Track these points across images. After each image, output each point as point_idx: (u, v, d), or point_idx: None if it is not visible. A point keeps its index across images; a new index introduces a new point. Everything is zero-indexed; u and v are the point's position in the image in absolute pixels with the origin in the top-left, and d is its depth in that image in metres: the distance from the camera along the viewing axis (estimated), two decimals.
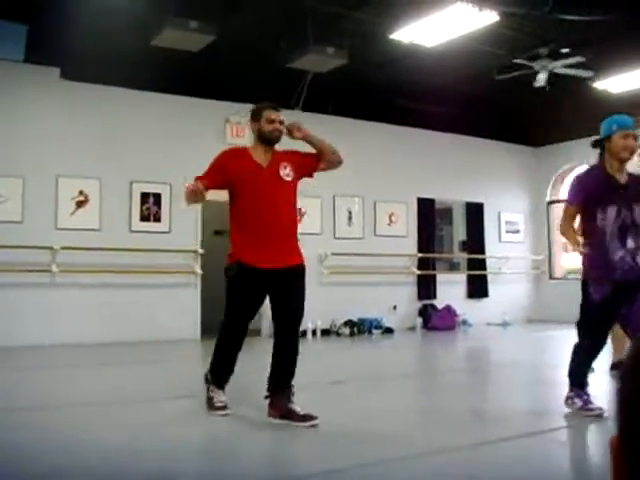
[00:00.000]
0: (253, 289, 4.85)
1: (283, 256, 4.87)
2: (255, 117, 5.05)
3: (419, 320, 13.09)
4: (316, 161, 5.24)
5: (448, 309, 13.32)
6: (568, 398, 5.04)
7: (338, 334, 11.99)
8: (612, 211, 4.80)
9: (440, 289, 13.76)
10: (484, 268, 14.54)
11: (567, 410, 4.96)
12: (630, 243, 4.80)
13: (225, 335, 5.08)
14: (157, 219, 10.65)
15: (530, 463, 3.89)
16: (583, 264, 5.05)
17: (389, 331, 12.37)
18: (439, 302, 13.49)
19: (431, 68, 11.02)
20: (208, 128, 11.17)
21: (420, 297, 13.49)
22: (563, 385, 7.15)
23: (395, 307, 13.03)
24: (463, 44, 9.78)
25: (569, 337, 11.89)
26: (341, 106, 12.37)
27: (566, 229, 5.08)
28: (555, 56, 10.17)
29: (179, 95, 10.91)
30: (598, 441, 4.44)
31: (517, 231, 15.19)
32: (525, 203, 15.40)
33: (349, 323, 12.14)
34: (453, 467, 3.77)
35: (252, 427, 4.69)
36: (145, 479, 3.55)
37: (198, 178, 4.94)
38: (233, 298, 4.91)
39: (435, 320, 13.04)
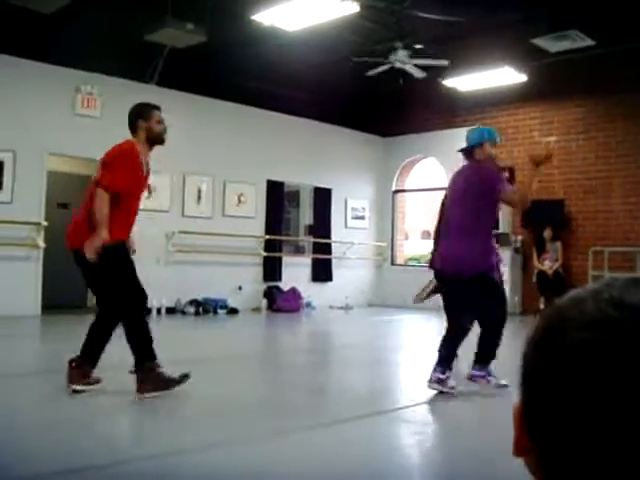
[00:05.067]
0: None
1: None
2: (145, 116, 5.02)
3: (264, 301, 13.20)
4: None
5: (293, 291, 13.50)
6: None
7: (183, 313, 11.91)
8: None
9: (285, 271, 13.92)
10: (329, 252, 14.83)
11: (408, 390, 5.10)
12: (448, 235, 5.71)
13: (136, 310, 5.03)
14: None
15: (375, 441, 4.05)
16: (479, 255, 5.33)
17: (234, 311, 12.41)
18: (284, 284, 13.65)
19: (289, 52, 11.07)
20: (57, 96, 10.73)
21: (265, 279, 13.59)
22: (402, 366, 7.48)
23: (240, 288, 13.06)
24: (323, 31, 9.89)
25: (407, 321, 12.42)
26: (196, 84, 12.23)
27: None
28: (409, 51, 10.48)
29: (27, 59, 10.40)
30: (440, 418, 4.68)
31: (362, 217, 15.59)
32: (371, 191, 15.81)
33: (194, 302, 12.07)
34: (296, 448, 3.86)
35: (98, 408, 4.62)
36: None
37: (109, 186, 4.82)
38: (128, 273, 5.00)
39: (280, 302, 13.18)
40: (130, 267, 4.99)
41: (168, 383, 4.85)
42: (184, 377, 4.91)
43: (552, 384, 0.63)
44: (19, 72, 10.41)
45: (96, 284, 5.14)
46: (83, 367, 4.88)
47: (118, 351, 4.95)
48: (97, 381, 4.91)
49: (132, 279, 4.95)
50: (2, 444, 3.69)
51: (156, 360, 4.88)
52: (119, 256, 4.92)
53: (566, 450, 0.62)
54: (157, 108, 5.11)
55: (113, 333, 5.03)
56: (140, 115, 5.05)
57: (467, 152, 5.51)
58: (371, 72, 10.95)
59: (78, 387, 4.78)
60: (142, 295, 5.00)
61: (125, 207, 4.97)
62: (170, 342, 9.00)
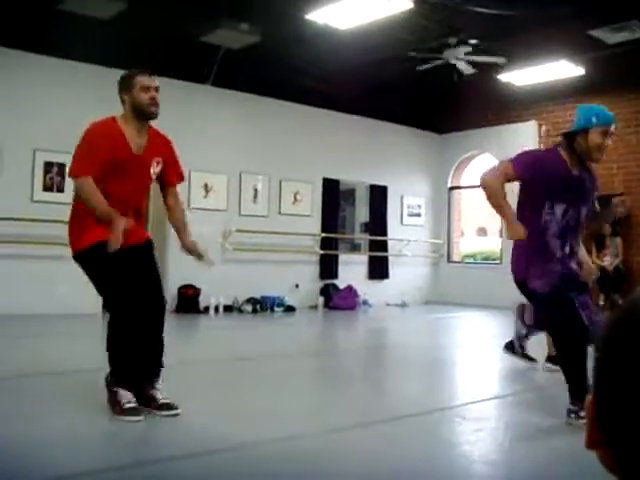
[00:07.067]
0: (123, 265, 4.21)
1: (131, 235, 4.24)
2: (126, 85, 4.27)
3: (321, 299, 13.24)
4: (170, 185, 4.61)
5: (349, 289, 13.51)
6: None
7: (240, 311, 12.02)
8: (560, 209, 4.26)
9: (342, 269, 13.93)
10: (385, 250, 14.80)
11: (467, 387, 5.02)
12: (567, 248, 4.33)
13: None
14: (60, 189, 10.37)
15: (432, 438, 4.04)
16: (518, 261, 4.43)
17: (291, 309, 12.47)
18: (341, 282, 13.67)
19: (343, 50, 11.09)
20: (116, 98, 10.90)
21: (322, 277, 13.63)
22: (460, 363, 7.44)
23: (297, 286, 13.13)
24: (376, 28, 9.88)
25: (464, 319, 12.33)
26: (252, 83, 12.32)
27: (497, 190, 4.29)
28: (464, 46, 10.42)
29: (88, 63, 10.61)
30: (499, 416, 4.65)
31: (418, 215, 15.52)
32: (427, 188, 15.74)
33: (251, 300, 12.17)
34: (351, 445, 3.88)
35: None
36: None
37: (83, 171, 4.16)
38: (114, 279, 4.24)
39: (336, 300, 13.21)
40: (112, 271, 4.19)
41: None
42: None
43: (623, 377, 0.63)
44: (80, 75, 10.63)
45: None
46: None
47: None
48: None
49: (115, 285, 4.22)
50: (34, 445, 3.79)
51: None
52: (96, 261, 4.21)
53: (638, 443, 0.62)
54: (146, 72, 4.27)
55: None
56: (121, 87, 4.33)
57: (568, 136, 4.33)
58: (424, 67, 10.91)
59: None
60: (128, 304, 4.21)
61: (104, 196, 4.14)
62: (229, 339, 9.13)
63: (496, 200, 4.31)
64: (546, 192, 4.23)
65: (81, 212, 4.24)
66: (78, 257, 4.30)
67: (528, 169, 4.28)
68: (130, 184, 4.24)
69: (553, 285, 4.19)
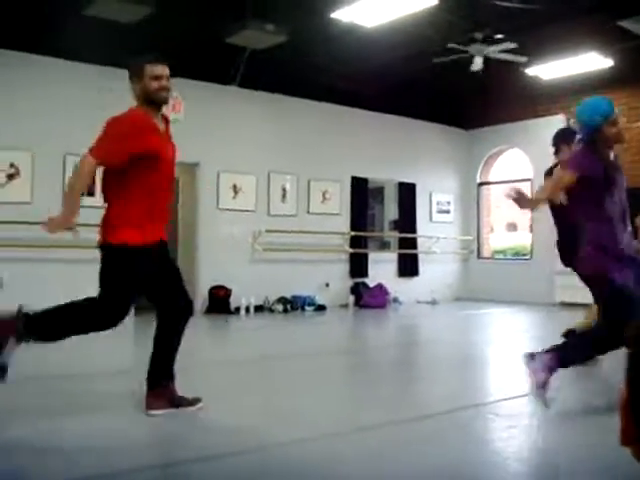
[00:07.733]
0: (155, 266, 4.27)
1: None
2: (136, 75, 4.18)
3: (351, 298, 13.25)
4: None
5: (380, 287, 13.50)
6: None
7: (271, 310, 12.05)
8: (617, 195, 4.45)
9: (372, 267, 13.93)
10: (415, 247, 14.76)
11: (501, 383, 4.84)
12: (629, 227, 4.52)
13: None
14: (91, 193, 10.42)
15: (465, 435, 4.03)
16: (592, 253, 4.48)
17: (322, 308, 12.49)
18: (371, 280, 13.66)
19: (369, 48, 11.08)
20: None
21: (352, 275, 13.64)
22: (493, 360, 7.40)
23: (328, 285, 13.14)
24: (401, 25, 9.86)
25: (495, 315, 12.24)
26: (278, 83, 12.34)
27: (552, 193, 4.58)
28: (490, 41, 10.36)
29: (115, 67, 10.68)
30: (532, 413, 4.62)
31: (447, 211, 15.47)
32: (456, 184, 15.67)
33: (282, 300, 12.21)
34: (383, 443, 3.87)
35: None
36: None
37: (95, 153, 3.96)
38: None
39: (367, 298, 13.21)
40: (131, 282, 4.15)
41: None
42: None
43: None
44: (107, 79, 10.67)
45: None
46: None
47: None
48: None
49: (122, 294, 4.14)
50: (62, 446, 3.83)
51: None
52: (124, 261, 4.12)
53: None
54: (157, 62, 4.19)
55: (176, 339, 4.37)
56: (131, 76, 4.23)
57: (586, 139, 4.50)
58: (443, 59, 10.85)
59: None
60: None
61: (143, 189, 4.12)
62: (260, 339, 9.16)
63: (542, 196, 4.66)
64: (605, 183, 4.39)
65: (134, 206, 4.11)
66: (107, 248, 4.16)
67: (583, 167, 4.40)
68: (170, 173, 4.33)
69: (628, 278, 4.33)
